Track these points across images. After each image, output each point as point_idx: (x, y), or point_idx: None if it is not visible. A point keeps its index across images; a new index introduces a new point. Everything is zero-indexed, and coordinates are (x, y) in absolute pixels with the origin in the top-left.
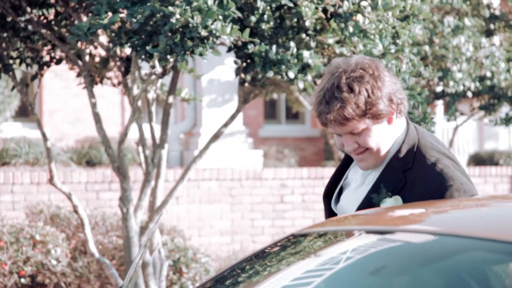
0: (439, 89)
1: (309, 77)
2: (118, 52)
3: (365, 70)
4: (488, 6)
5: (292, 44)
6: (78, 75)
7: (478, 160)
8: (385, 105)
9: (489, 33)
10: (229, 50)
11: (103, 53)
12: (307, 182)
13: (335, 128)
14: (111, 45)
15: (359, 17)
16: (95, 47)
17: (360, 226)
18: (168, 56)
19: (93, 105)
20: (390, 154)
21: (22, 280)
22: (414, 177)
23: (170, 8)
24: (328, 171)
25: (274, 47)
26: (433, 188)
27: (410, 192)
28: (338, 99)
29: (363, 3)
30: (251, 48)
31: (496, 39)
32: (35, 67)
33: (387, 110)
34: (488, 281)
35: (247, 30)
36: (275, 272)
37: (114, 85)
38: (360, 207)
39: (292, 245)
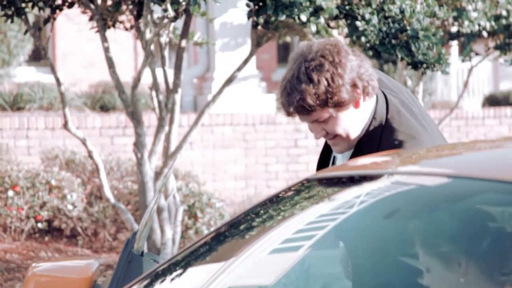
0: (454, 29)
1: (322, 20)
2: None
3: (324, 57)
4: None
5: None
6: (91, 19)
7: (493, 101)
8: (347, 91)
9: None
10: None
11: None
12: None
13: (301, 118)
14: None
15: None
16: None
17: (374, 170)
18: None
19: (106, 49)
20: (361, 134)
21: (39, 225)
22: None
23: None
24: None
25: None
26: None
27: None
28: (298, 91)
29: None
30: None
31: None
32: (48, 11)
33: (350, 96)
34: (504, 223)
35: None
36: (289, 217)
37: (126, 29)
38: None
39: (306, 190)
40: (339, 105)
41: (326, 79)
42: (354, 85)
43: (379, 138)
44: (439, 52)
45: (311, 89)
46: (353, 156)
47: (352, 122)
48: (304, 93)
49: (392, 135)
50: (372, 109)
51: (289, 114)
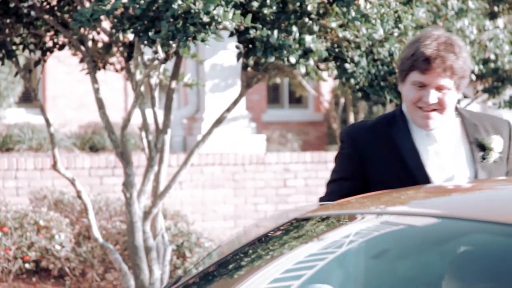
0: None
1: (311, 62)
2: (121, 37)
3: (459, 41)
4: None
5: (294, 28)
6: (81, 60)
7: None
8: (468, 75)
9: (493, 16)
10: (231, 35)
11: (105, 38)
12: (310, 166)
13: (432, 77)
14: (113, 30)
15: (361, 1)
16: (98, 33)
17: (362, 209)
18: (171, 42)
19: (96, 91)
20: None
21: (27, 265)
22: (478, 121)
23: None
24: (331, 155)
25: (275, 32)
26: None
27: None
28: (454, 53)
29: None
30: (252, 33)
31: (500, 21)
32: (38, 53)
33: (467, 80)
34: (496, 265)
35: (249, 15)
36: (278, 256)
37: (117, 71)
38: (468, 164)
39: (294, 229)
40: (461, 83)
41: (465, 57)
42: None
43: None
44: None
45: (461, 57)
46: (463, 130)
47: (454, 102)
48: (458, 57)
49: (492, 116)
50: None
51: (428, 69)
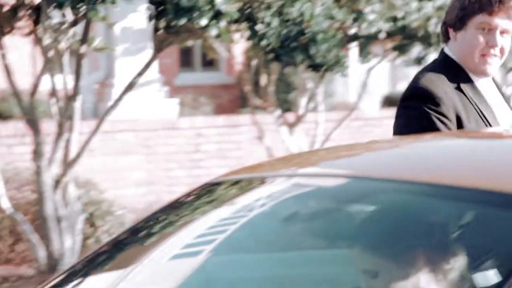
0: (352, 31)
1: (222, 24)
2: (28, 0)
3: None
4: None
5: None
6: None
7: (391, 101)
8: None
9: None
10: None
11: (12, 1)
12: (223, 130)
13: (500, 19)
14: None
15: None
16: None
17: (273, 172)
18: (79, 5)
19: (3, 56)
20: None
21: None
22: None
23: None
24: (244, 119)
25: None
26: None
27: None
28: None
29: None
30: None
31: None
32: None
33: None
34: (400, 222)
35: None
36: (189, 222)
37: (24, 35)
38: None
39: (206, 194)
40: None
41: None
42: None
43: None
44: (338, 54)
45: None
46: None
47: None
48: None
49: None
50: None
51: (501, 9)
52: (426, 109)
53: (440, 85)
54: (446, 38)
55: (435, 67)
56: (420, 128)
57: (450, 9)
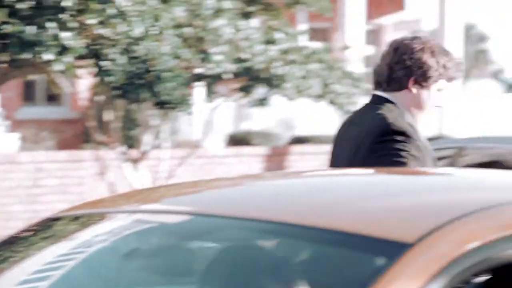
0: (199, 71)
1: (69, 59)
2: None
3: None
4: None
5: (51, 24)
6: None
7: (235, 140)
8: None
9: (247, 16)
10: None
11: None
12: (66, 165)
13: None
14: None
15: None
16: None
17: (115, 208)
18: None
19: None
20: None
21: None
22: None
23: None
24: (87, 154)
25: (31, 27)
26: None
27: None
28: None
29: None
30: (7, 28)
31: (254, 21)
32: None
33: None
34: (241, 259)
35: (4, 10)
36: (26, 257)
37: None
38: None
39: (45, 229)
40: None
41: None
42: None
43: None
44: (184, 93)
45: None
46: None
47: None
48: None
49: None
50: None
51: (454, 78)
52: (409, 143)
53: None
54: (399, 86)
55: (389, 109)
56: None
57: (420, 65)
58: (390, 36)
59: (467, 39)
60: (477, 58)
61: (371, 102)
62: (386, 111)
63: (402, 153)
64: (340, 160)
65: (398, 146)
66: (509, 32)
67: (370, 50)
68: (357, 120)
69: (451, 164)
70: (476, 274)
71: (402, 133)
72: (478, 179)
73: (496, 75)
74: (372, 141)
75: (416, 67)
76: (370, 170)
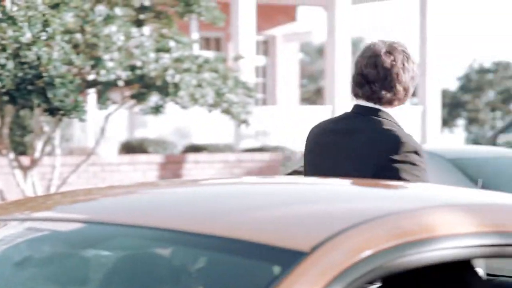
0: (91, 77)
1: None
2: None
3: None
4: None
5: None
6: None
7: (129, 148)
8: None
9: (139, 23)
10: None
11: None
12: None
13: None
14: None
15: (7, 2)
16: None
17: (6, 215)
18: None
19: None
20: None
21: None
22: None
23: None
24: None
25: None
26: None
27: None
28: None
29: None
30: None
31: (146, 29)
32: None
33: None
34: (136, 267)
35: None
36: None
37: None
38: None
39: None
40: None
41: None
42: None
43: None
44: (76, 100)
45: None
46: None
47: None
48: None
49: None
50: None
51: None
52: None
53: None
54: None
55: (391, 122)
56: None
57: (413, 78)
58: (282, 47)
59: (355, 51)
60: None
61: (361, 112)
62: (392, 125)
63: (421, 172)
64: (328, 169)
65: (418, 163)
66: None
67: (262, 60)
68: (353, 130)
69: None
70: (370, 282)
71: (417, 152)
72: (373, 188)
73: None
74: (387, 158)
75: (412, 80)
76: (268, 179)
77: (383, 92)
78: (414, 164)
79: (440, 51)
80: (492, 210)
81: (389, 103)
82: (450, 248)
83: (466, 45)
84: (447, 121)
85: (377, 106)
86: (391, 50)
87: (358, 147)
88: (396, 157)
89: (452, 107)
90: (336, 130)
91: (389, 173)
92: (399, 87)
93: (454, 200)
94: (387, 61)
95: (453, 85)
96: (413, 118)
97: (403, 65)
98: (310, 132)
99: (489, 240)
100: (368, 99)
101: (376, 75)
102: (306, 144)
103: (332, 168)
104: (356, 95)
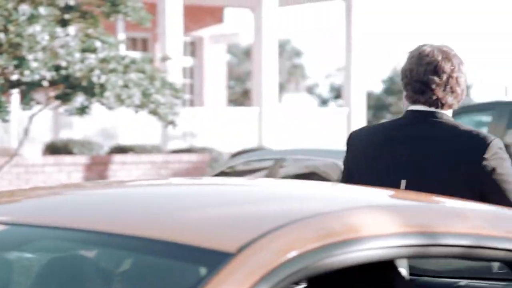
0: (14, 77)
1: None
2: None
3: None
4: None
5: None
6: None
7: (54, 149)
8: None
9: (64, 23)
10: None
11: None
12: None
13: None
14: None
15: None
16: None
17: None
18: None
19: None
20: None
21: None
22: None
23: None
24: None
25: None
26: None
27: None
28: None
29: None
30: None
31: (72, 29)
32: None
33: None
34: (61, 269)
35: None
36: None
37: None
38: None
39: None
40: None
41: None
42: None
43: None
44: None
45: None
46: None
47: None
48: None
49: None
50: None
51: None
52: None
53: None
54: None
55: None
56: None
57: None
58: (209, 48)
59: (282, 53)
60: (292, 73)
61: (426, 116)
62: (462, 125)
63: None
64: (394, 176)
65: (505, 157)
66: (321, 48)
67: (189, 61)
68: (425, 136)
69: (270, 175)
70: (296, 283)
71: (501, 147)
72: (299, 190)
73: (310, 89)
74: (478, 160)
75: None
76: (195, 180)
77: (446, 97)
78: (502, 159)
79: (365, 54)
80: (416, 210)
81: (450, 106)
82: (376, 248)
83: (391, 47)
84: (372, 123)
85: (438, 110)
86: (447, 55)
87: (437, 152)
88: (491, 156)
89: (377, 109)
90: (404, 137)
91: (488, 173)
92: (459, 90)
93: (380, 201)
94: (447, 66)
95: (378, 88)
96: (339, 120)
97: (460, 68)
98: (355, 138)
99: (414, 240)
100: (430, 104)
101: (439, 81)
102: (355, 152)
103: (403, 175)
104: (415, 101)
